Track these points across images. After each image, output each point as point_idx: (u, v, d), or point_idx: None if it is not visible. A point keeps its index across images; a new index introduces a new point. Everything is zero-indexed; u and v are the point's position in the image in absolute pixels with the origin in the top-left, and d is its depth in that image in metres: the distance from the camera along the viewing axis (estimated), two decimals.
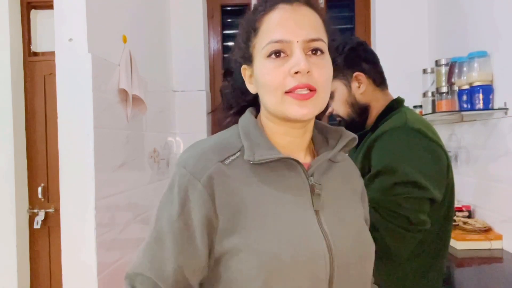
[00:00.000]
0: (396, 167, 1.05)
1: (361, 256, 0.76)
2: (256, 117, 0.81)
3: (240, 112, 0.83)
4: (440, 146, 1.12)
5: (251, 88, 0.78)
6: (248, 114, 0.80)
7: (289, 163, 0.74)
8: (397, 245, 1.05)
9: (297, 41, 0.70)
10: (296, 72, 0.69)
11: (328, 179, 0.79)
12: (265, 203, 0.71)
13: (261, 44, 0.72)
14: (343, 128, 0.82)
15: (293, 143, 0.77)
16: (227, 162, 0.71)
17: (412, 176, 1.04)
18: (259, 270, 0.67)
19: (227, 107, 0.86)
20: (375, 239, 1.05)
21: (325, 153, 0.78)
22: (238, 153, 0.73)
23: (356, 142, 0.81)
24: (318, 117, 0.84)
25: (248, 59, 0.77)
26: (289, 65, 0.70)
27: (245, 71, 0.79)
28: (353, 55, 1.23)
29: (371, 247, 0.79)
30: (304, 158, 0.79)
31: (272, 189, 0.72)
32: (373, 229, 1.04)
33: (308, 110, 0.70)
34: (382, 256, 1.09)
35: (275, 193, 0.72)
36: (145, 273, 0.72)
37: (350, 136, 0.80)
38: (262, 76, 0.72)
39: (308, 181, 0.74)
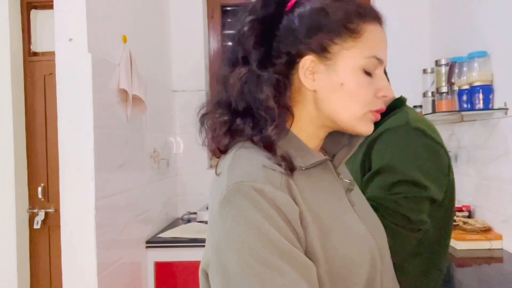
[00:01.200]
0: (396, 165, 1.05)
1: (387, 246, 0.80)
2: None
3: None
4: (441, 145, 1.12)
5: (309, 84, 0.70)
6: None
7: (324, 164, 0.74)
8: (396, 244, 1.05)
9: (385, 66, 0.72)
10: (384, 96, 0.71)
11: (345, 175, 0.81)
12: (325, 207, 0.69)
13: (362, 53, 0.69)
14: None
15: (318, 145, 0.78)
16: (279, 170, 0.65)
17: (413, 175, 1.04)
18: (337, 276, 0.65)
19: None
20: None
21: (345, 151, 0.79)
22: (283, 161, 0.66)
23: (363, 139, 0.82)
24: None
25: (323, 53, 0.69)
26: (376, 85, 0.71)
27: (307, 62, 0.69)
28: None
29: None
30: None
31: (324, 192, 0.71)
32: None
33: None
34: None
35: (327, 196, 0.72)
36: None
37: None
38: (355, 87, 0.69)
39: (339, 179, 0.77)
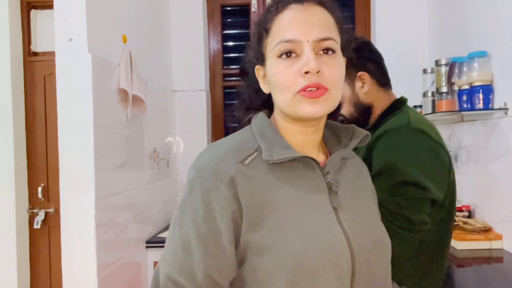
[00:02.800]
0: (397, 167, 1.05)
1: (380, 252, 0.76)
2: (269, 117, 0.81)
3: (258, 110, 0.84)
4: (442, 146, 1.12)
5: (265, 88, 0.79)
6: (261, 115, 0.80)
7: (305, 161, 0.74)
8: (397, 245, 1.05)
9: (307, 41, 0.70)
10: (306, 72, 0.69)
11: (343, 176, 0.79)
12: (286, 203, 0.71)
13: (272, 44, 0.73)
14: (354, 126, 0.83)
15: (306, 141, 0.78)
16: (246, 162, 0.72)
17: (414, 176, 1.04)
18: (284, 270, 0.67)
19: (243, 106, 0.86)
20: None
21: (339, 151, 0.78)
22: (255, 153, 0.73)
23: (369, 139, 0.82)
24: (332, 117, 0.85)
25: (261, 60, 0.77)
26: (299, 64, 0.70)
27: (258, 71, 0.80)
28: (357, 54, 1.19)
29: (389, 242, 0.80)
30: (317, 156, 0.79)
31: (292, 189, 0.72)
32: None
33: (319, 108, 0.70)
34: None
35: (295, 192, 0.72)
36: (176, 278, 0.70)
37: (363, 133, 0.81)
38: (273, 76, 0.73)
39: (325, 179, 0.75)
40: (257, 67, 0.79)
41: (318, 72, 0.69)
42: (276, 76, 0.72)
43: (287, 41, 0.70)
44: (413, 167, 1.05)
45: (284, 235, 0.68)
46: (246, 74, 0.84)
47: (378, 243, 0.77)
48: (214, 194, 0.69)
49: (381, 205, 1.04)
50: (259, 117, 0.80)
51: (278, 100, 0.74)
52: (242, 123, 0.84)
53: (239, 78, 0.89)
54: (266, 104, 0.82)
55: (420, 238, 1.07)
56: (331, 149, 0.82)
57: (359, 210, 0.78)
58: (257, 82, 0.80)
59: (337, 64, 0.73)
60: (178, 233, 0.71)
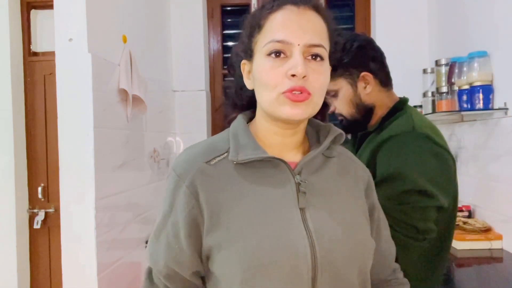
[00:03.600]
0: (404, 174, 1.03)
1: (351, 255, 0.74)
2: (252, 118, 0.82)
3: (246, 108, 0.84)
4: (448, 151, 1.09)
5: (248, 84, 0.78)
6: (239, 117, 0.81)
7: (274, 162, 0.75)
8: (403, 254, 1.04)
9: (298, 44, 0.70)
10: (293, 75, 0.69)
11: (321, 175, 0.79)
12: (247, 201, 0.72)
13: (263, 42, 0.73)
14: (331, 125, 0.82)
15: (284, 143, 0.78)
16: (212, 162, 0.75)
17: (421, 184, 1.02)
18: (239, 266, 0.69)
19: (229, 103, 0.87)
20: None
21: (312, 151, 0.78)
22: (225, 154, 0.76)
23: (344, 137, 0.81)
24: (321, 116, 0.84)
25: (249, 55, 0.77)
26: (287, 66, 0.70)
27: (244, 66, 0.79)
28: (361, 53, 1.17)
29: (366, 245, 0.78)
30: (294, 157, 0.79)
31: (255, 187, 0.73)
32: None
33: (300, 111, 0.71)
34: None
35: (257, 191, 0.73)
36: (150, 265, 0.80)
37: (336, 132, 0.80)
38: (259, 74, 0.73)
39: (294, 179, 0.75)
40: (243, 61, 0.79)
41: (304, 76, 0.69)
42: (263, 74, 0.72)
43: (279, 41, 0.70)
44: (419, 174, 1.03)
45: (241, 232, 0.70)
46: (234, 68, 0.84)
47: (350, 245, 0.74)
48: (177, 192, 0.74)
49: (387, 213, 1.02)
50: (237, 119, 0.81)
51: (261, 98, 0.74)
52: (227, 120, 0.86)
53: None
54: (251, 102, 0.82)
55: (426, 246, 1.06)
56: (311, 148, 0.81)
57: (335, 211, 0.76)
58: (241, 77, 0.80)
59: (324, 71, 0.73)
60: (156, 223, 0.79)
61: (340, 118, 1.24)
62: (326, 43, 0.74)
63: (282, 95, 0.70)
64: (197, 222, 0.73)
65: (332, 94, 1.19)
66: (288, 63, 0.70)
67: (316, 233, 0.72)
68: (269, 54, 0.71)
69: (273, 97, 0.71)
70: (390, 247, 0.90)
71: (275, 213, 0.72)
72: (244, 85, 0.80)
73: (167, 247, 0.76)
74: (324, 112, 0.86)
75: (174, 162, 0.78)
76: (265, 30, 0.73)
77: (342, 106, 1.20)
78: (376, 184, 1.06)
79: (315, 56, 0.72)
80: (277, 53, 0.71)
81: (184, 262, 0.75)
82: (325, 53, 0.73)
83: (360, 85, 1.18)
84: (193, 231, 0.73)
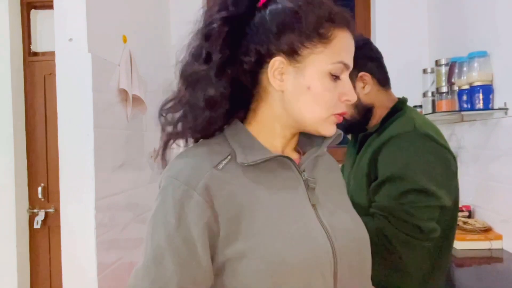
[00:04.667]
0: (406, 174, 1.03)
1: (360, 246, 0.76)
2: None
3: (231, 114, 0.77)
4: (449, 151, 1.09)
5: (277, 84, 0.71)
6: (236, 121, 0.77)
7: (281, 161, 0.74)
8: (408, 255, 1.03)
9: (348, 69, 0.73)
10: (347, 100, 0.73)
11: (317, 173, 0.80)
12: (263, 204, 0.70)
13: (329, 59, 0.71)
14: None
15: (285, 144, 0.78)
16: (220, 167, 0.69)
17: (423, 183, 1.02)
18: (267, 274, 0.66)
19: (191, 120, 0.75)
20: (388, 250, 1.03)
21: (313, 149, 0.79)
22: (229, 157, 0.72)
23: (342, 137, 0.81)
24: None
25: (292, 56, 0.70)
26: (341, 90, 0.72)
27: (276, 62, 0.70)
28: (358, 54, 1.19)
29: (367, 235, 0.80)
30: (292, 155, 0.79)
31: (270, 189, 0.72)
32: (386, 240, 1.02)
33: (335, 129, 0.75)
34: (393, 266, 1.06)
35: (272, 193, 0.72)
36: None
37: (336, 132, 0.80)
38: (321, 90, 0.71)
39: (301, 177, 0.75)
40: (279, 58, 0.70)
41: None
42: (325, 93, 0.71)
43: (345, 65, 0.72)
44: (422, 174, 1.03)
45: (264, 237, 0.67)
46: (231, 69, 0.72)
47: (357, 237, 0.77)
48: (187, 202, 0.66)
49: (390, 213, 1.02)
50: (233, 124, 0.77)
51: (307, 111, 0.72)
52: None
53: None
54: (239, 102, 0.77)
55: (429, 246, 1.06)
56: (303, 148, 0.82)
57: (337, 205, 0.79)
58: (247, 71, 0.72)
59: None
60: (150, 245, 0.69)
61: None
62: None
63: (333, 116, 0.73)
64: (213, 232, 0.66)
65: None
66: (340, 85, 0.72)
67: (332, 228, 0.72)
68: (332, 74, 0.72)
69: (325, 115, 0.72)
70: None
71: (294, 212, 0.71)
72: (249, 84, 0.73)
73: (181, 267, 0.66)
74: None
75: (172, 170, 0.71)
76: (333, 46, 0.71)
77: None
78: (379, 185, 1.07)
79: None
80: (337, 76, 0.72)
81: (202, 280, 0.67)
82: None
83: (359, 85, 1.18)
84: (209, 243, 0.67)
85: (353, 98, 0.73)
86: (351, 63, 0.73)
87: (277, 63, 0.71)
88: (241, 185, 0.70)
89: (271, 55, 0.71)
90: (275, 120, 0.75)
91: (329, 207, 0.76)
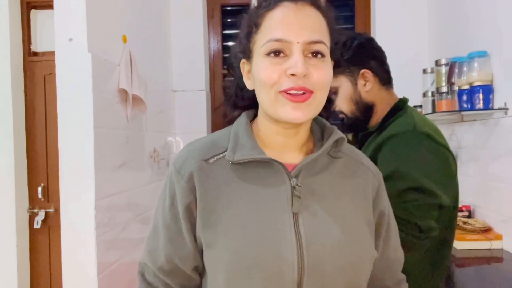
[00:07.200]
0: (405, 172, 1.03)
1: (343, 265, 0.71)
2: (255, 117, 0.81)
3: (247, 108, 0.82)
4: (448, 150, 1.10)
5: (248, 84, 0.77)
6: (243, 115, 0.79)
7: (272, 164, 0.72)
8: (405, 253, 1.04)
9: (298, 42, 0.68)
10: (293, 74, 0.67)
11: (323, 177, 0.75)
12: (239, 203, 0.71)
13: (261, 41, 0.70)
14: (334, 127, 0.79)
15: (285, 142, 0.76)
16: (210, 161, 0.74)
17: (422, 182, 1.02)
18: (224, 266, 0.69)
19: (230, 103, 0.85)
20: None
21: (310, 154, 0.74)
22: (224, 153, 0.75)
23: (345, 141, 0.78)
24: (326, 113, 0.83)
25: (248, 54, 0.75)
26: (287, 65, 0.68)
27: (243, 65, 0.77)
28: (361, 51, 1.18)
29: (362, 255, 0.74)
30: (295, 158, 0.77)
31: (249, 189, 0.72)
32: None
33: (302, 113, 0.68)
34: None
35: (251, 193, 0.72)
36: (147, 262, 0.80)
37: (337, 135, 0.76)
38: (258, 73, 0.71)
39: (290, 183, 0.72)
40: (242, 61, 0.77)
41: (305, 75, 0.67)
42: (261, 73, 0.69)
43: (277, 40, 0.68)
44: (421, 172, 1.03)
45: (229, 233, 0.70)
46: (233, 68, 0.83)
47: (345, 252, 0.71)
48: (177, 186, 0.74)
49: None
50: (240, 118, 0.79)
51: (261, 98, 0.73)
52: (227, 119, 0.85)
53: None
54: (252, 102, 0.79)
55: (428, 245, 1.06)
56: (315, 149, 0.78)
57: (330, 216, 0.73)
58: (241, 77, 0.79)
59: (325, 67, 0.71)
60: (154, 218, 0.80)
61: (341, 116, 1.24)
62: (326, 39, 0.71)
63: (280, 95, 0.68)
64: (192, 214, 0.73)
65: (332, 91, 1.20)
66: (288, 62, 0.68)
67: (307, 239, 0.69)
68: (268, 54, 0.69)
69: (271, 96, 0.69)
70: (398, 256, 0.87)
71: (265, 216, 0.70)
72: (245, 86, 0.78)
73: (169, 241, 0.75)
74: (329, 108, 0.83)
75: (176, 157, 0.79)
76: (263, 29, 0.71)
77: (342, 103, 1.22)
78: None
79: (316, 53, 0.69)
80: (276, 53, 0.69)
81: (186, 257, 0.75)
82: (325, 49, 0.70)
83: (360, 82, 1.19)
84: (190, 222, 0.74)
85: (298, 70, 0.66)
86: (288, 35, 0.68)
87: (243, 65, 0.78)
88: (225, 180, 0.73)
89: (239, 60, 0.78)
90: (263, 117, 0.77)
91: (318, 218, 0.71)
